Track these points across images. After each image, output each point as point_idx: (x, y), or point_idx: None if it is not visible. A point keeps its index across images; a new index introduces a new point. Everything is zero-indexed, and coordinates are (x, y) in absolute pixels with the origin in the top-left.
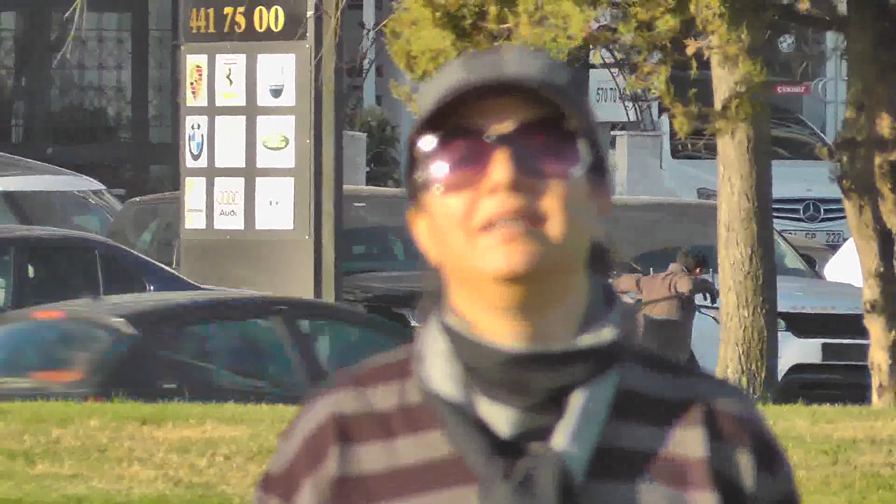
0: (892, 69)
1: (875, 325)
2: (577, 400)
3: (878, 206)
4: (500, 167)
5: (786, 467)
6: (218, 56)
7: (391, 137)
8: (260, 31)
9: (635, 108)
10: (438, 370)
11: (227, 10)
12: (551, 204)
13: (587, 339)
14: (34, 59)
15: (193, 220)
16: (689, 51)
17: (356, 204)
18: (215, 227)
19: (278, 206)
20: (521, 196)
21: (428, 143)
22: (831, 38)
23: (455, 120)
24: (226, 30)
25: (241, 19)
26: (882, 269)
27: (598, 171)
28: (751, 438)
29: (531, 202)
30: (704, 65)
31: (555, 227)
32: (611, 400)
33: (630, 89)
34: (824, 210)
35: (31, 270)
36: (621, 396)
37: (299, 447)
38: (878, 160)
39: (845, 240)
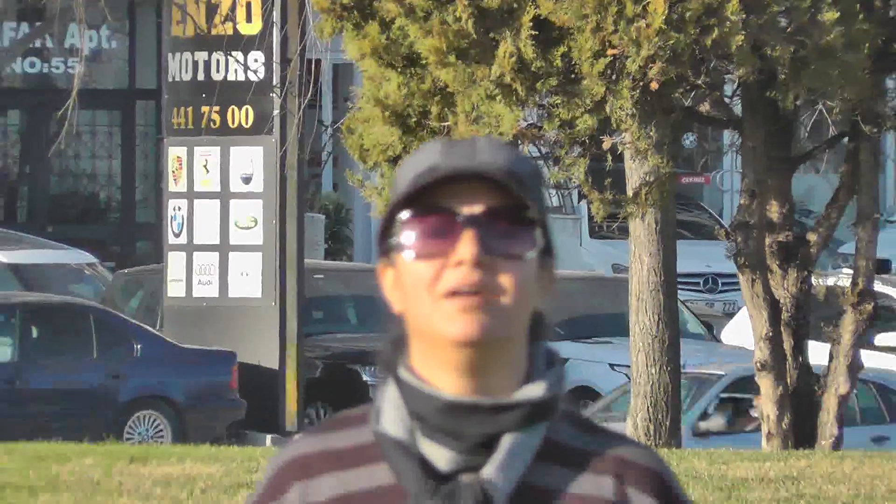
0: (780, 163)
1: (765, 382)
2: (506, 442)
3: (767, 280)
4: (466, 244)
5: None
6: (196, 148)
7: (346, 219)
8: (232, 127)
9: (558, 195)
10: (388, 415)
11: (204, 108)
12: (507, 281)
13: (517, 395)
14: (35, 149)
15: (174, 288)
16: (605, 146)
17: (315, 276)
18: (194, 294)
19: (248, 277)
20: (481, 271)
21: (406, 214)
22: (727, 136)
23: (429, 198)
24: (203, 125)
25: (216, 117)
26: (771, 334)
27: (547, 253)
28: (656, 486)
29: (490, 278)
30: (618, 158)
31: (507, 301)
32: (536, 446)
33: (553, 179)
34: (721, 283)
35: (33, 331)
36: (546, 444)
37: (267, 484)
38: (767, 240)
39: (739, 308)
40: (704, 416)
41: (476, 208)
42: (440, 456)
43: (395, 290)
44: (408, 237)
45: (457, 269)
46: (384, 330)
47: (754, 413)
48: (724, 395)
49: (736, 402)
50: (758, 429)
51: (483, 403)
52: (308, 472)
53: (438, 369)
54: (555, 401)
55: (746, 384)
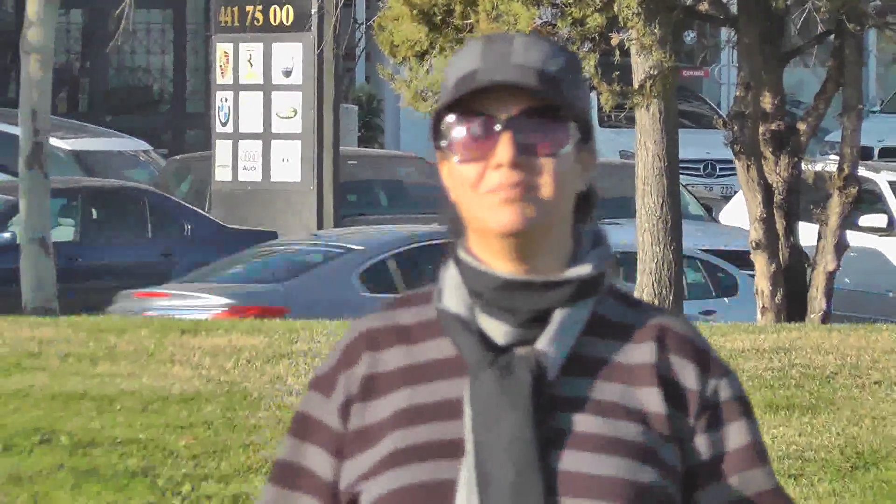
0: (773, 58)
1: (759, 259)
2: (557, 316)
3: (761, 166)
4: (503, 148)
5: (729, 373)
6: (241, 44)
7: (377, 109)
8: (274, 24)
9: None
10: (449, 293)
11: (249, 7)
12: (544, 176)
13: (567, 273)
14: (94, 45)
15: (221, 173)
16: (613, 42)
17: (350, 162)
18: (239, 179)
19: (289, 163)
20: (518, 171)
21: (451, 118)
22: (725, 33)
23: (471, 100)
24: (247, 23)
25: (259, 15)
26: (765, 215)
27: (586, 138)
28: (692, 351)
29: (527, 175)
30: (625, 53)
31: (545, 193)
32: (585, 320)
33: None
34: (720, 168)
35: (94, 213)
36: (593, 319)
37: (339, 355)
38: (761, 129)
39: (736, 192)
40: None
41: (512, 110)
42: (497, 330)
43: (449, 180)
44: (453, 140)
45: (497, 170)
46: (441, 215)
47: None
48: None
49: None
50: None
51: (535, 281)
52: (376, 345)
53: (491, 253)
54: (600, 278)
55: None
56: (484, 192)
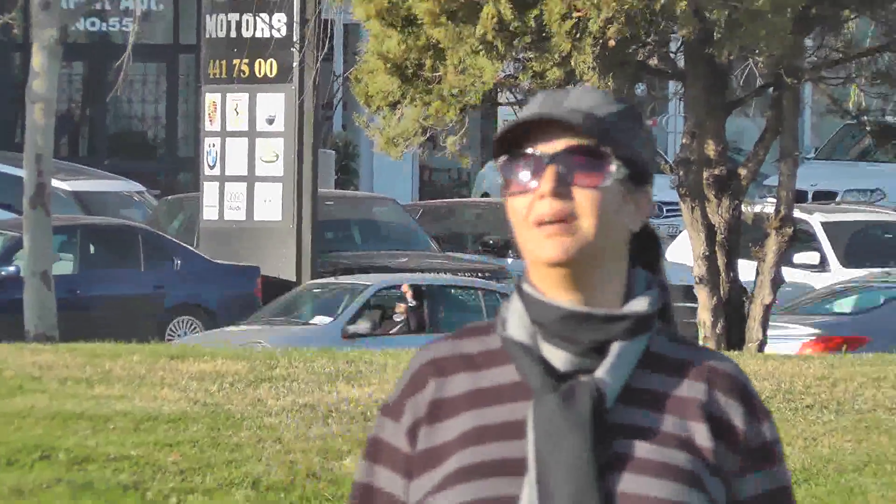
0: (716, 108)
1: (702, 293)
2: (615, 348)
3: (704, 207)
4: (546, 180)
5: (770, 417)
6: (228, 94)
7: (353, 154)
8: (259, 76)
9: None
10: (513, 323)
11: (235, 61)
12: (583, 208)
13: (626, 308)
14: (94, 95)
15: (209, 213)
16: None
17: (327, 203)
18: (225, 218)
19: (271, 203)
20: (560, 201)
21: (503, 158)
22: (672, 86)
23: (524, 143)
24: (234, 75)
25: (245, 68)
26: (707, 253)
27: (637, 180)
28: (740, 393)
29: (568, 206)
30: None
31: (587, 225)
32: (640, 354)
33: None
34: (666, 210)
35: (91, 248)
36: (647, 354)
37: (407, 382)
38: (705, 174)
39: (681, 231)
40: (353, 321)
41: (557, 147)
42: (558, 358)
43: (511, 218)
44: (507, 176)
45: (541, 200)
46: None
47: (397, 318)
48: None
49: (382, 308)
50: (399, 332)
51: (597, 314)
52: (443, 372)
53: (548, 285)
54: (654, 316)
55: (390, 293)
56: (532, 222)
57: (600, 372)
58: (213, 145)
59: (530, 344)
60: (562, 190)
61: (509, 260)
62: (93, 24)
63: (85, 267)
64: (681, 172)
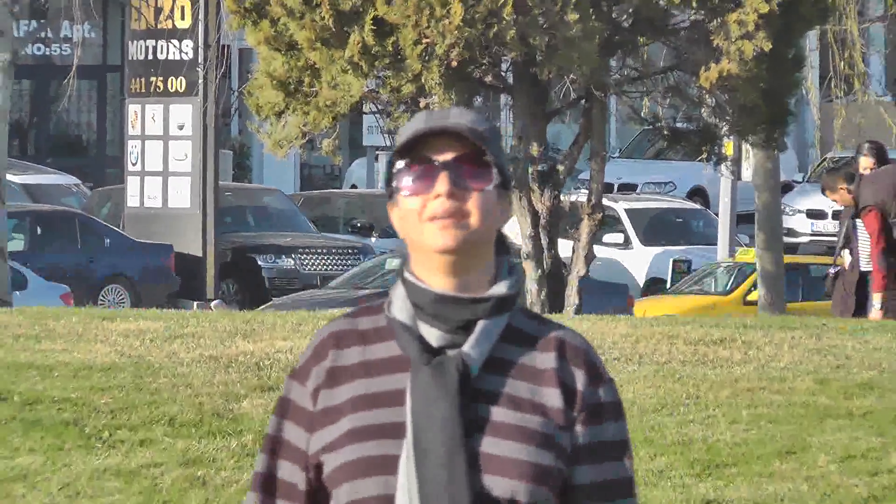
0: (538, 117)
1: (528, 267)
2: (479, 326)
3: (530, 197)
4: (441, 182)
5: (607, 384)
6: (147, 105)
7: (247, 153)
8: (171, 91)
9: (390, 138)
10: (396, 305)
11: (153, 78)
12: (472, 206)
13: (489, 291)
14: (39, 106)
15: (132, 201)
16: (422, 105)
17: (226, 193)
18: (145, 205)
19: (181, 194)
20: (453, 201)
21: (400, 164)
22: (503, 98)
23: (417, 152)
24: (151, 90)
25: (160, 84)
26: (533, 234)
27: (504, 187)
28: (583, 360)
29: (459, 205)
30: None
31: (474, 220)
32: (501, 330)
33: (387, 127)
34: None
35: (38, 230)
36: (508, 329)
37: (311, 352)
38: (530, 170)
39: (512, 216)
40: None
41: (448, 156)
42: (433, 335)
43: (398, 220)
44: (403, 181)
45: (436, 200)
46: (397, 248)
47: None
48: None
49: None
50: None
51: (463, 297)
52: (340, 345)
53: (430, 273)
54: (514, 297)
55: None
56: (426, 218)
57: (466, 347)
58: (135, 147)
59: (410, 324)
60: (455, 191)
61: (372, 239)
62: (38, 48)
63: (32, 245)
64: (511, 168)
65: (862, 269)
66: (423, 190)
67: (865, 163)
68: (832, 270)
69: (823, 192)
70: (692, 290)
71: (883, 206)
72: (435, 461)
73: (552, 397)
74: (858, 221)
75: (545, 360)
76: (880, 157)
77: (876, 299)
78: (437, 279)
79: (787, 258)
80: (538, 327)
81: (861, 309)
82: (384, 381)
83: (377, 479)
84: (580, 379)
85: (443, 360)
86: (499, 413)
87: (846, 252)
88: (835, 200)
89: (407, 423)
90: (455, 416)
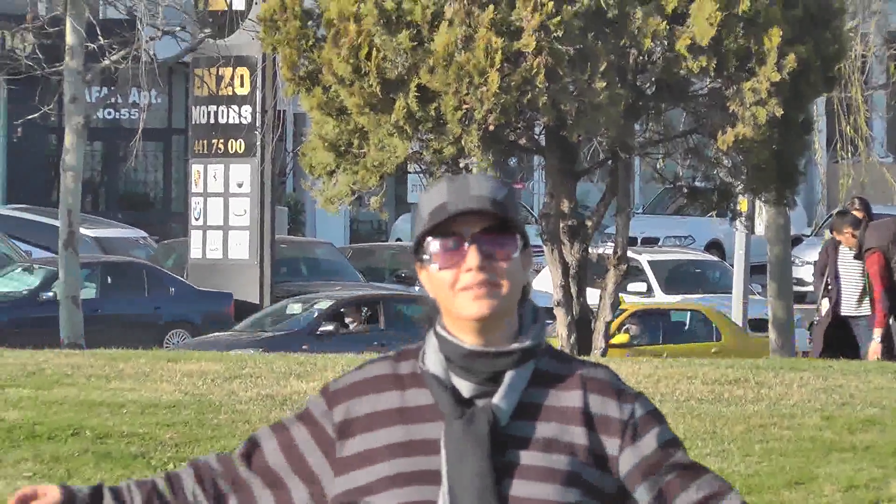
0: (568, 176)
1: (559, 313)
2: (507, 376)
3: (561, 249)
4: (471, 256)
5: (639, 398)
6: (209, 165)
7: (300, 209)
8: (231, 152)
9: None
10: (430, 356)
11: (214, 140)
12: (502, 275)
13: (513, 345)
14: (110, 165)
15: (195, 253)
16: (462, 165)
17: (281, 246)
18: (207, 257)
19: (240, 246)
20: (483, 272)
21: (430, 239)
22: (536, 159)
23: (443, 224)
24: (213, 151)
25: (221, 146)
26: (563, 283)
27: (525, 245)
28: (609, 389)
29: (490, 276)
30: (470, 172)
31: (504, 288)
32: (529, 377)
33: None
34: (534, 250)
35: (108, 279)
36: (536, 373)
37: (346, 386)
38: (561, 225)
39: (544, 267)
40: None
41: (475, 228)
42: (464, 386)
43: (428, 282)
44: (433, 254)
45: (467, 273)
46: (428, 303)
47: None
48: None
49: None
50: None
51: (489, 351)
52: (378, 389)
53: (461, 331)
54: (539, 345)
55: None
56: (459, 290)
57: (496, 399)
58: (198, 203)
59: (443, 376)
60: (484, 263)
61: (416, 289)
62: (109, 113)
63: (103, 293)
64: (543, 223)
65: (843, 313)
66: (453, 263)
67: (857, 214)
68: (816, 319)
69: (831, 231)
70: None
71: (885, 250)
72: None
73: (579, 436)
74: (855, 263)
75: (571, 398)
76: (867, 210)
77: (877, 333)
78: (467, 337)
79: (651, 304)
80: (563, 366)
81: (842, 348)
82: (420, 430)
83: None
84: (611, 407)
85: (474, 413)
86: (527, 457)
87: (825, 301)
88: (839, 241)
89: (442, 472)
90: (486, 466)
